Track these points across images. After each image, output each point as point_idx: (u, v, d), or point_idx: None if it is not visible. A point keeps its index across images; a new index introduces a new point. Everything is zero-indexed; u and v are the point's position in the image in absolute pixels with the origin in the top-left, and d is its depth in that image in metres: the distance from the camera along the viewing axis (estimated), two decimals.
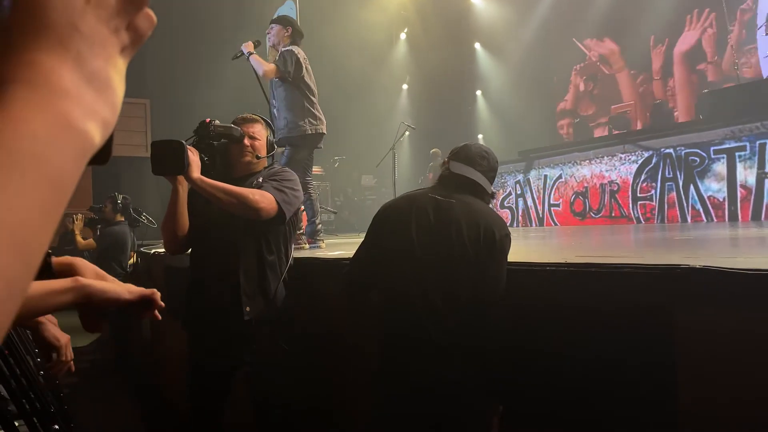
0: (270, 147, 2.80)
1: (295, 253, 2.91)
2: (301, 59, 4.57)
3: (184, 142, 2.40)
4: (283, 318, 2.71)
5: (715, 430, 1.64)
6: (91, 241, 6.06)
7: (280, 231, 2.67)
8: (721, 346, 1.63)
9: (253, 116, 2.80)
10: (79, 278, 1.03)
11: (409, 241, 2.03)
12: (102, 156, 0.41)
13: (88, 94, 0.37)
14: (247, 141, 2.70)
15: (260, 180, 2.63)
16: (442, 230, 2.01)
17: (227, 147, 2.73)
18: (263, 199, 2.48)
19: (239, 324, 2.53)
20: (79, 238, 6.09)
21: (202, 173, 2.64)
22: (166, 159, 2.36)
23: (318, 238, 4.80)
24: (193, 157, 2.44)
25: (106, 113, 0.38)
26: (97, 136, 0.37)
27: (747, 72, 9.02)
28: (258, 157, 2.73)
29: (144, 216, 6.87)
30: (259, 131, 2.76)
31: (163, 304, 1.11)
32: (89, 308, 1.03)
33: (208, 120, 2.64)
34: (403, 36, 13.11)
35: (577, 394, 1.96)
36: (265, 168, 2.78)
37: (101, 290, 1.03)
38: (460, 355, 1.94)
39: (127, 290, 1.07)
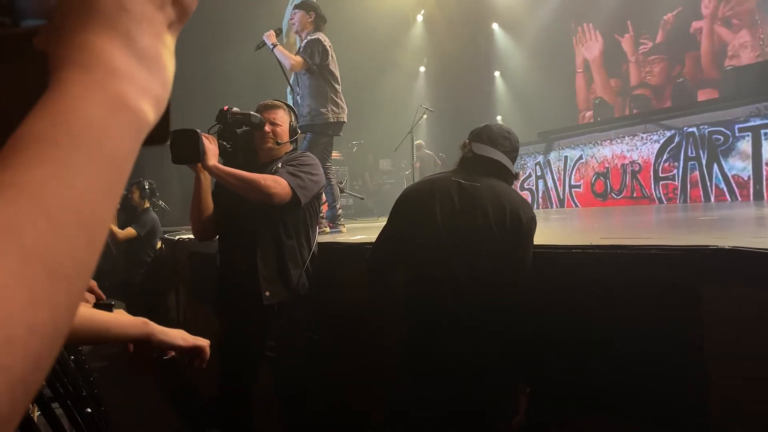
0: (293, 132, 2.81)
1: (318, 238, 2.93)
2: (327, 47, 4.56)
3: (198, 131, 2.43)
4: (307, 305, 2.74)
5: (744, 411, 1.63)
6: (130, 230, 5.94)
7: (299, 216, 2.68)
8: (750, 326, 1.62)
9: (275, 102, 2.81)
10: (147, 321, 1.08)
11: (434, 225, 2.02)
12: (160, 134, 0.41)
13: (140, 73, 0.37)
14: (268, 127, 2.71)
15: (279, 165, 2.65)
16: (467, 214, 2.00)
17: (251, 134, 2.75)
18: (276, 184, 2.50)
19: (260, 308, 2.57)
20: (116, 229, 5.97)
21: (225, 161, 2.68)
22: (183, 148, 2.40)
23: (339, 222, 4.82)
24: (210, 145, 2.48)
25: (159, 90, 0.39)
26: (151, 114, 0.38)
27: None
28: (278, 143, 2.74)
29: (161, 202, 6.92)
30: (281, 117, 2.77)
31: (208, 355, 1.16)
32: (145, 349, 1.08)
33: (225, 108, 2.68)
34: (419, 18, 12.97)
35: (603, 377, 1.96)
36: (287, 153, 2.80)
37: (162, 332, 1.08)
38: (487, 337, 1.94)
39: (181, 337, 1.12)
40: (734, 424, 1.65)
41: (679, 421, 1.79)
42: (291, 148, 2.84)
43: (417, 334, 2.07)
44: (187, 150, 2.40)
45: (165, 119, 0.40)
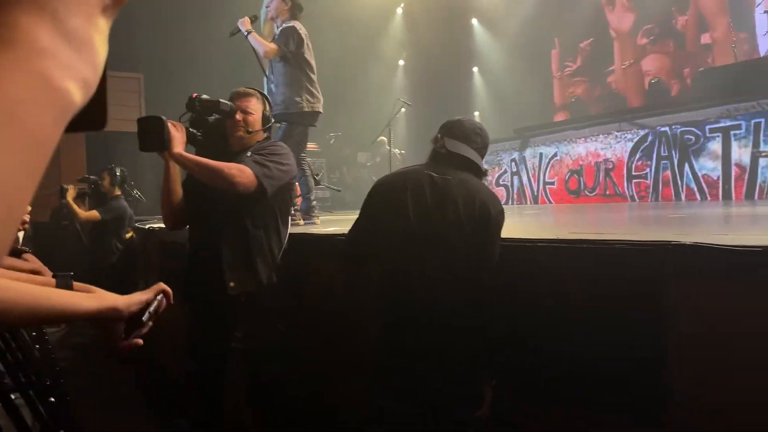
0: (266, 121, 2.78)
1: (290, 229, 2.91)
2: (303, 35, 4.53)
3: (163, 118, 2.40)
4: (277, 296, 2.72)
5: (704, 400, 1.67)
6: (93, 212, 5.84)
7: (267, 206, 2.64)
8: (710, 319, 1.65)
9: (248, 90, 2.77)
10: (102, 294, 1.07)
11: (406, 218, 2.03)
12: (96, 119, 0.41)
13: (66, 53, 0.36)
14: (239, 116, 2.68)
15: (248, 154, 2.62)
16: (439, 208, 2.01)
17: (223, 122, 2.72)
18: (240, 173, 2.47)
19: (226, 298, 2.54)
20: (78, 210, 5.86)
21: (198, 149, 2.65)
22: (149, 135, 2.38)
23: (313, 214, 4.80)
24: (176, 132, 2.44)
25: (87, 72, 0.37)
26: (77, 95, 0.37)
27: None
28: (249, 132, 2.71)
29: (136, 192, 6.81)
30: (253, 105, 2.73)
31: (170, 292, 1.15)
32: (116, 326, 1.05)
33: (194, 95, 2.64)
34: (399, 11, 12.95)
35: (567, 368, 1.99)
36: (258, 142, 2.76)
37: (127, 299, 1.06)
38: (456, 331, 1.96)
39: (140, 294, 1.10)
40: (692, 413, 1.69)
41: (639, 410, 1.83)
42: (264, 137, 2.81)
43: (392, 329, 2.07)
44: (153, 137, 2.37)
45: (101, 103, 0.40)
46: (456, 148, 2.12)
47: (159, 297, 1.11)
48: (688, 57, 9.95)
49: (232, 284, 2.54)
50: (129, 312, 1.04)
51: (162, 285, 1.13)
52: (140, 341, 1.11)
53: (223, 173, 2.44)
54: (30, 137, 0.33)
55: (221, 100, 2.64)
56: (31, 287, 0.92)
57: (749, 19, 9.03)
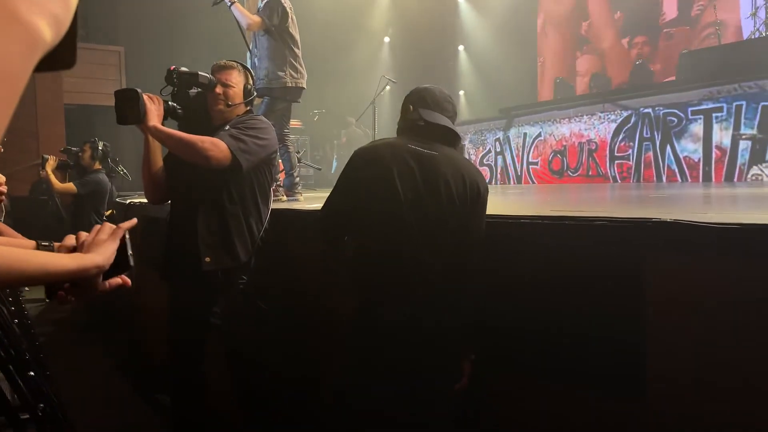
0: (247, 94, 2.73)
1: (273, 205, 2.89)
2: (288, 8, 4.46)
3: (138, 90, 2.37)
4: (257, 273, 2.71)
5: (681, 373, 1.70)
6: (70, 185, 5.73)
7: (245, 182, 2.60)
8: (689, 295, 1.68)
9: (229, 63, 2.73)
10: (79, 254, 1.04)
11: (394, 195, 1.95)
12: (65, 58, 0.40)
13: None
14: (219, 89, 2.65)
15: (227, 128, 2.58)
16: (430, 186, 1.95)
17: (206, 96, 2.68)
18: (214, 147, 2.42)
19: (201, 274, 2.52)
20: (55, 181, 5.77)
21: (181, 123, 2.61)
22: (125, 108, 2.36)
23: (296, 191, 4.78)
24: (152, 105, 2.41)
25: (57, 9, 0.37)
26: (46, 31, 0.36)
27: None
28: (229, 105, 2.67)
29: (121, 168, 6.72)
30: (234, 78, 2.68)
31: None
32: (95, 279, 1.03)
33: (172, 67, 2.60)
34: None
35: (547, 344, 2.02)
36: (238, 116, 2.71)
37: (104, 253, 1.03)
38: (439, 304, 1.96)
39: (109, 244, 1.07)
40: (672, 386, 1.73)
41: (620, 385, 1.86)
42: (245, 110, 2.77)
43: (370, 306, 2.04)
44: (129, 110, 2.35)
45: (70, 42, 0.39)
46: (434, 119, 2.07)
47: (126, 236, 1.11)
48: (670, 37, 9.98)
49: (207, 260, 2.51)
50: (108, 264, 1.04)
51: (112, 225, 1.12)
52: (128, 281, 1.11)
53: (196, 147, 2.40)
54: None
55: (200, 72, 2.60)
56: (15, 249, 0.91)
57: (733, 1, 9.06)
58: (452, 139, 2.11)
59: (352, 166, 2.11)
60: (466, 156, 8.83)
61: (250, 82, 2.76)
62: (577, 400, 1.96)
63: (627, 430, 1.83)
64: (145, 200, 3.00)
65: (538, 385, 2.07)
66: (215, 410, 2.92)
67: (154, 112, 2.41)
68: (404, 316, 1.95)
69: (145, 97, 2.39)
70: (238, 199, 2.59)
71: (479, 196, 2.01)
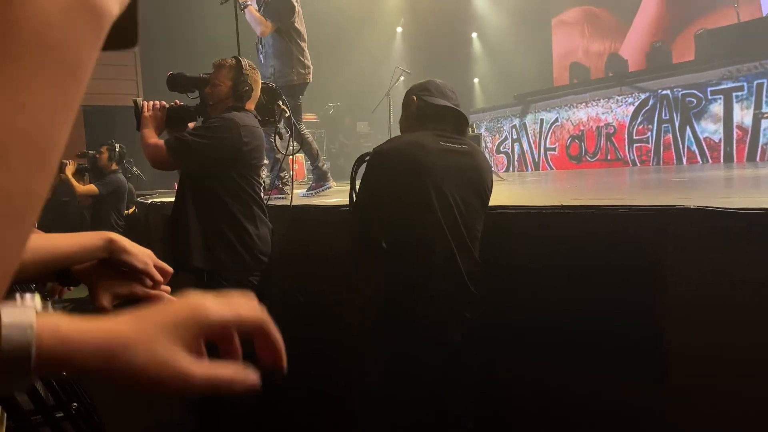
0: (236, 89, 2.65)
1: (284, 202, 2.89)
2: (294, 2, 4.46)
3: (137, 100, 2.58)
4: (280, 269, 2.73)
5: (702, 360, 1.69)
6: (91, 186, 5.84)
7: (214, 183, 2.55)
8: (713, 281, 1.67)
9: (220, 61, 2.71)
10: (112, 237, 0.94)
11: (426, 192, 1.92)
12: (128, 37, 0.37)
13: None
14: (208, 89, 2.69)
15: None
16: (464, 182, 1.99)
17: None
18: (154, 150, 2.52)
19: (188, 272, 2.56)
20: (76, 183, 5.87)
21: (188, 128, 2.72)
22: (135, 116, 2.58)
23: (327, 179, 4.72)
24: (147, 113, 2.56)
25: None
26: (115, 7, 0.32)
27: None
28: (210, 104, 2.67)
29: (135, 169, 6.82)
30: (221, 77, 2.66)
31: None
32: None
33: (169, 73, 2.69)
34: None
35: (570, 331, 2.02)
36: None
37: (124, 249, 0.93)
38: (467, 298, 1.97)
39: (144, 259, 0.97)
40: (692, 375, 1.72)
41: (641, 370, 1.85)
42: (229, 106, 2.66)
43: (395, 302, 2.03)
44: (136, 119, 2.59)
45: (132, 19, 0.36)
46: (443, 103, 2.09)
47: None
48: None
49: (192, 260, 2.54)
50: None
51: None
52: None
53: (146, 151, 2.54)
54: (67, 66, 0.29)
55: (197, 75, 2.69)
56: (43, 234, 0.89)
57: None
58: (463, 123, 2.14)
59: (385, 164, 2.04)
60: (483, 145, 8.71)
61: (242, 75, 2.66)
62: (602, 386, 1.96)
63: (652, 414, 1.83)
64: (165, 200, 3.04)
65: (563, 372, 2.07)
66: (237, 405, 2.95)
67: (148, 119, 2.56)
68: (431, 311, 1.95)
69: (145, 105, 2.56)
70: (209, 201, 2.57)
71: (490, 190, 2.09)
